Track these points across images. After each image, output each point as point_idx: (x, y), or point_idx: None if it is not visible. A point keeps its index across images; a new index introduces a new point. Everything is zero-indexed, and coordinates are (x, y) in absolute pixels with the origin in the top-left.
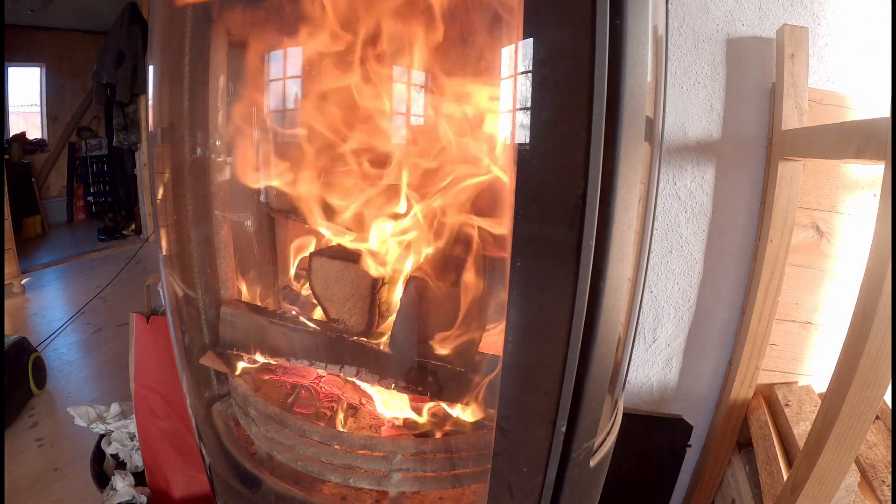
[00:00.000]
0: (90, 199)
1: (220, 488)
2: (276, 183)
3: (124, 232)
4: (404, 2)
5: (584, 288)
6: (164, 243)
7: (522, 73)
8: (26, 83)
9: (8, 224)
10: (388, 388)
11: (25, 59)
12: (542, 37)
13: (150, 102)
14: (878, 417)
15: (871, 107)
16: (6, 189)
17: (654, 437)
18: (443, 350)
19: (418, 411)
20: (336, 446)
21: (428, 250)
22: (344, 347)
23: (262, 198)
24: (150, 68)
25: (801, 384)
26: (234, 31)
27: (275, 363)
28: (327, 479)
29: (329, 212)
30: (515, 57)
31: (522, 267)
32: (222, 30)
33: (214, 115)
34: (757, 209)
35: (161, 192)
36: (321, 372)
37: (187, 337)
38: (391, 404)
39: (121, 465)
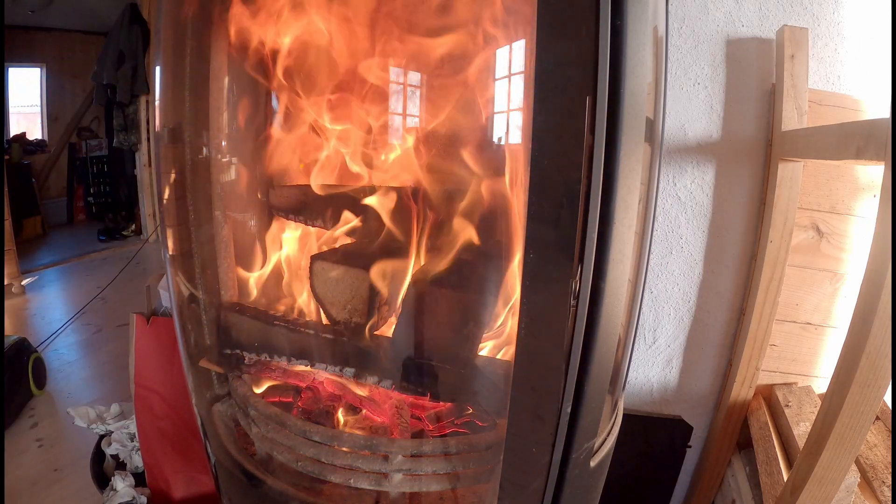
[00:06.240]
0: (90, 199)
1: (225, 485)
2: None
3: (124, 233)
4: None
5: (584, 288)
6: (170, 243)
7: (523, 74)
8: (26, 83)
9: (8, 224)
10: (388, 388)
11: (25, 60)
12: (542, 38)
13: (158, 103)
14: (878, 418)
15: (871, 107)
16: (6, 189)
17: (654, 438)
18: (443, 352)
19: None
20: (336, 447)
21: (429, 253)
22: (345, 349)
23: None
24: (157, 69)
25: (801, 385)
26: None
27: (275, 364)
28: (327, 480)
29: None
30: (515, 58)
31: (522, 267)
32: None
33: (222, 116)
34: (757, 210)
35: (168, 192)
36: (323, 373)
37: (192, 337)
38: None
39: (121, 465)
